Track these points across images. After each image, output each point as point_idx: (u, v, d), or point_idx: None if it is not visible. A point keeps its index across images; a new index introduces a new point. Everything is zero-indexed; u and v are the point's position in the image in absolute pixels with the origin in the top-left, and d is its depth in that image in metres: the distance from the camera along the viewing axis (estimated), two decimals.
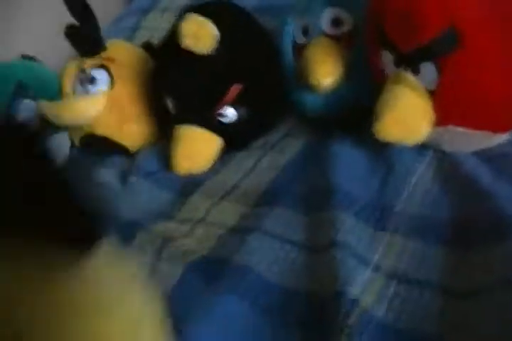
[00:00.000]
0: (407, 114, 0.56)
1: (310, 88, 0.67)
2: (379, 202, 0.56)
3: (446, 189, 0.56)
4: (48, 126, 0.83)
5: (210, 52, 0.67)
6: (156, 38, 1.08)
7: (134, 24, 1.18)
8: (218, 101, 0.69)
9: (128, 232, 0.60)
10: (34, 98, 0.94)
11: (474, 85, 0.55)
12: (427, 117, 0.57)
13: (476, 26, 0.53)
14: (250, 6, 1.01)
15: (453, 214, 0.52)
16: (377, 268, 0.48)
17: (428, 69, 0.55)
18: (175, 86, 0.71)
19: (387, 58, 0.59)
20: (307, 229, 0.54)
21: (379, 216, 0.54)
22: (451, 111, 0.57)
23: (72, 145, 0.87)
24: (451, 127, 0.58)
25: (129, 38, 1.12)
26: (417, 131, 0.57)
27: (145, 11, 1.20)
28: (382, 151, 0.62)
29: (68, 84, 0.83)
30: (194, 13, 0.67)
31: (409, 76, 0.57)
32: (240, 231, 0.57)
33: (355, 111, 0.65)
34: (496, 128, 0.59)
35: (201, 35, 0.66)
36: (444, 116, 0.57)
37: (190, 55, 0.67)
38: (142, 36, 1.12)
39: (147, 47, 0.91)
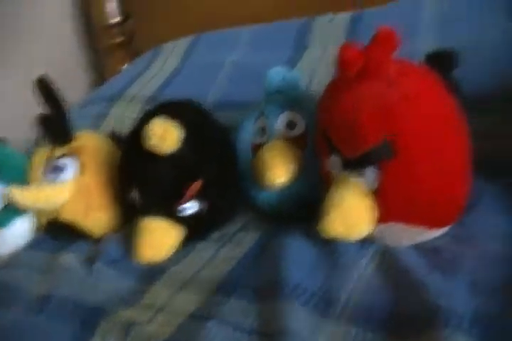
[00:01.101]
0: (351, 213, 0.64)
1: (264, 186, 0.75)
2: (325, 293, 0.63)
3: (386, 281, 0.63)
4: (12, 208, 0.87)
5: (172, 151, 0.75)
6: (122, 127, 1.16)
7: (100, 112, 1.26)
8: (181, 196, 0.77)
9: (92, 318, 0.65)
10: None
11: (409, 187, 0.64)
12: (369, 215, 0.65)
13: (408, 138, 0.62)
14: (212, 102, 1.11)
15: (391, 305, 0.60)
16: None
17: (370, 172, 0.64)
18: (140, 180, 0.79)
19: (334, 161, 0.68)
20: (259, 317, 0.61)
21: (325, 306, 0.61)
22: (391, 210, 0.66)
23: (38, 229, 0.91)
24: (391, 224, 0.67)
25: (95, 126, 1.20)
26: (360, 229, 0.65)
27: (111, 99, 1.29)
28: (329, 244, 0.69)
29: (37, 171, 0.90)
30: (160, 115, 0.75)
31: (353, 178, 0.66)
32: (198, 318, 0.63)
33: (307, 207, 0.73)
34: (431, 224, 0.68)
35: (166, 137, 0.74)
36: (384, 214, 0.66)
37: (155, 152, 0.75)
38: (108, 124, 1.20)
39: (113, 137, 0.99)
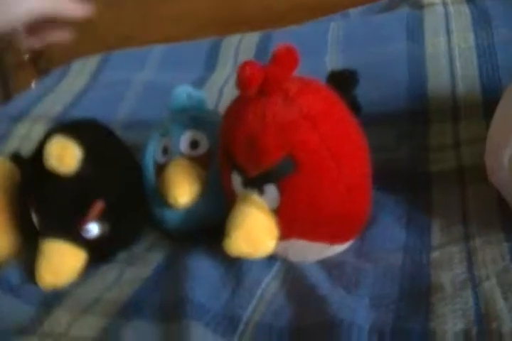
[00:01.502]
0: (254, 231, 0.65)
1: (168, 205, 0.75)
2: (228, 312, 0.63)
3: (289, 298, 0.65)
4: None
5: (73, 172, 0.74)
6: (26, 147, 1.13)
7: (3, 131, 1.22)
8: (81, 218, 0.75)
9: None
10: None
11: (310, 204, 0.66)
12: (271, 233, 0.66)
13: (307, 155, 0.63)
14: (120, 121, 1.10)
15: (292, 321, 0.60)
16: None
17: (271, 190, 0.66)
18: (40, 201, 0.77)
19: (236, 179, 0.68)
20: (162, 338, 0.60)
21: (227, 325, 0.61)
22: (292, 227, 0.67)
23: None
24: (293, 240, 0.68)
25: None
26: (263, 246, 0.66)
27: (15, 119, 1.25)
28: (233, 263, 0.70)
29: None
30: (59, 134, 0.74)
31: (255, 196, 0.66)
32: None
33: (212, 226, 0.73)
34: (332, 240, 0.70)
35: (64, 156, 0.72)
36: (286, 231, 0.67)
37: (55, 172, 0.73)
38: (10, 145, 1.16)
39: (15, 158, 0.95)
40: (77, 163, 0.74)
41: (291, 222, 0.66)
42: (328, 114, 0.66)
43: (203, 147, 0.79)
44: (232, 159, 0.68)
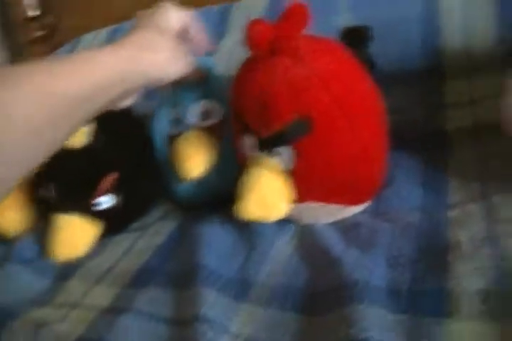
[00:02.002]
0: (267, 194, 0.64)
1: (180, 178, 0.74)
2: (241, 277, 0.63)
3: (304, 259, 0.64)
4: None
5: (85, 144, 0.73)
6: None
7: None
8: (94, 190, 0.75)
9: None
10: None
11: (325, 165, 0.64)
12: (285, 196, 0.65)
13: (321, 116, 0.62)
14: None
15: (307, 283, 0.60)
16: (236, 337, 0.55)
17: (285, 151, 0.64)
18: (53, 175, 0.76)
19: (248, 142, 0.67)
20: (175, 305, 0.60)
21: (240, 289, 0.61)
22: (308, 189, 0.66)
23: None
24: (308, 203, 0.67)
25: None
26: (277, 209, 0.65)
27: None
28: (246, 228, 0.69)
29: None
30: None
31: (268, 158, 0.65)
32: (112, 312, 0.62)
33: (224, 197, 0.72)
34: (348, 202, 0.68)
35: None
36: (301, 193, 0.66)
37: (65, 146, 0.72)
38: None
39: None
40: (85, 136, 0.73)
41: (306, 184, 0.65)
42: (341, 73, 0.64)
43: (216, 116, 0.77)
44: (243, 121, 0.66)
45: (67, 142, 0.71)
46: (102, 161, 0.76)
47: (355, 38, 0.75)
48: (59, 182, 0.76)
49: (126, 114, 0.84)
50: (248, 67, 0.66)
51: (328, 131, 0.63)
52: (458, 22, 0.95)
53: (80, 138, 0.73)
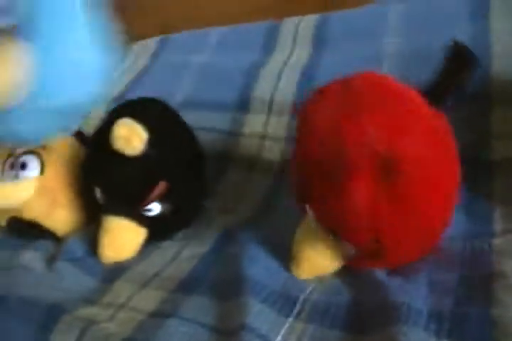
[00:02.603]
0: (317, 260, 0.66)
1: None
2: (285, 291, 0.65)
3: (348, 280, 0.66)
4: None
5: (139, 153, 0.76)
6: (88, 125, 1.16)
7: None
8: (145, 198, 0.78)
9: (50, 317, 0.65)
10: None
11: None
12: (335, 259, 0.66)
13: None
14: (178, 102, 1.12)
15: (352, 302, 0.61)
16: None
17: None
18: (105, 180, 0.79)
19: (311, 214, 0.64)
20: (220, 314, 0.62)
21: (284, 303, 0.63)
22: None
23: None
24: None
25: None
26: (325, 270, 0.67)
27: None
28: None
29: None
30: (126, 116, 0.76)
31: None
32: (159, 316, 0.64)
33: None
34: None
35: (132, 139, 0.74)
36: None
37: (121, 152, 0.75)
38: None
39: (79, 136, 0.98)
40: (142, 145, 0.75)
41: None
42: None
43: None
44: (308, 190, 0.61)
45: (123, 150, 0.74)
46: (153, 169, 0.78)
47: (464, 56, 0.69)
48: (110, 187, 0.79)
49: (179, 122, 0.87)
50: None
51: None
52: (508, 45, 0.96)
53: (136, 147, 0.75)
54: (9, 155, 0.88)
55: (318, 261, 0.66)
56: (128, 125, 0.74)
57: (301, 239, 0.67)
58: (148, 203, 0.78)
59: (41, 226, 0.86)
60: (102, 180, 0.79)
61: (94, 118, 1.16)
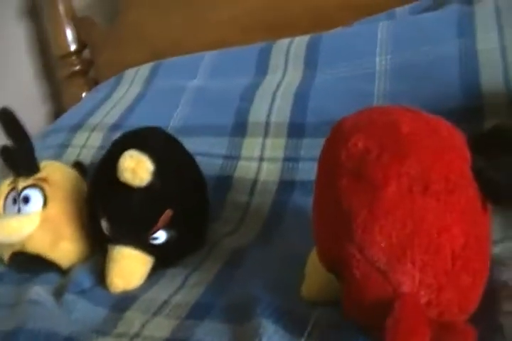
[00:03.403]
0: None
1: None
2: (296, 312, 0.66)
3: None
4: None
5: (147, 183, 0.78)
6: (85, 155, 1.19)
7: (62, 142, 1.28)
8: (152, 227, 0.80)
9: None
10: None
11: None
12: None
13: None
14: (174, 127, 1.15)
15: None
16: None
17: None
18: (112, 211, 0.82)
19: None
20: (234, 337, 0.64)
21: (295, 323, 0.64)
22: None
23: (1, 262, 0.92)
24: None
25: (57, 155, 1.21)
26: None
27: (73, 129, 1.31)
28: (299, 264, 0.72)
29: (0, 203, 0.91)
30: (129, 146, 0.79)
31: None
32: None
33: None
34: None
35: (139, 171, 0.77)
36: None
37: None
38: (71, 154, 1.22)
39: (78, 166, 1.01)
40: (149, 176, 0.78)
41: None
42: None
43: None
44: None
45: (130, 181, 0.77)
46: (161, 199, 0.81)
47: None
48: (117, 217, 0.81)
49: (181, 151, 0.91)
50: None
51: None
52: (496, 59, 0.99)
53: (143, 178, 0.78)
54: (11, 190, 0.90)
55: (324, 288, 0.67)
56: (134, 157, 0.77)
57: (312, 265, 0.69)
58: (155, 232, 0.80)
59: (45, 259, 0.88)
60: (109, 211, 0.81)
61: (92, 149, 1.19)
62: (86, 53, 1.65)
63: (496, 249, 0.67)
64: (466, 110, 0.96)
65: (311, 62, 1.19)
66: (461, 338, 0.51)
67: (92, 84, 1.61)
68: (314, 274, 0.68)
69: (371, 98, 1.05)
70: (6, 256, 0.90)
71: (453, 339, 0.51)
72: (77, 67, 1.63)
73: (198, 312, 0.71)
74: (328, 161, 0.64)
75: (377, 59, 1.12)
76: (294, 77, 1.18)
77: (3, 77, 1.57)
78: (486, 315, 0.58)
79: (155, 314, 0.73)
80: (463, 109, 0.96)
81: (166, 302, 0.75)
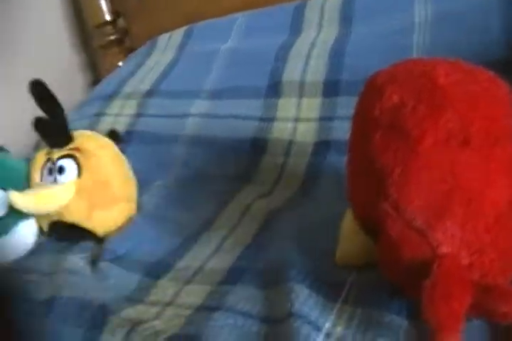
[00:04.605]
0: None
1: None
2: (331, 277, 0.64)
3: None
4: (14, 214, 0.87)
5: None
6: (120, 124, 1.18)
7: (98, 110, 1.26)
8: None
9: (99, 317, 0.66)
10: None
11: None
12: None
13: None
14: (210, 90, 1.12)
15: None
16: (328, 335, 0.56)
17: None
18: None
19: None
20: (267, 302, 0.62)
21: (330, 288, 0.62)
22: None
23: (41, 232, 0.92)
24: None
25: (93, 124, 1.21)
26: None
27: (108, 97, 1.30)
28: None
29: (37, 174, 0.91)
30: None
31: None
32: (207, 309, 0.64)
33: None
34: None
35: None
36: None
37: None
38: (106, 123, 1.20)
39: (113, 134, 1.00)
40: None
41: None
42: None
43: None
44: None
45: None
46: None
47: None
48: None
49: None
50: None
51: None
52: None
53: None
54: (47, 160, 0.90)
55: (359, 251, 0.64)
56: None
57: (346, 228, 0.66)
58: None
59: (82, 228, 0.88)
60: None
61: (126, 116, 1.18)
62: (121, 22, 1.63)
63: None
64: (510, 62, 0.90)
65: (346, 17, 1.15)
66: (505, 301, 0.47)
67: (128, 53, 1.59)
68: (348, 238, 0.66)
69: (410, 52, 1.00)
70: (44, 226, 0.91)
71: (496, 302, 0.48)
72: (113, 37, 1.61)
73: (231, 277, 0.69)
74: (361, 116, 0.61)
75: (416, 9, 1.06)
76: (329, 34, 1.14)
77: (40, 48, 1.57)
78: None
79: (189, 281, 0.71)
80: (507, 61, 0.91)
81: (199, 269, 0.73)
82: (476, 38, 0.95)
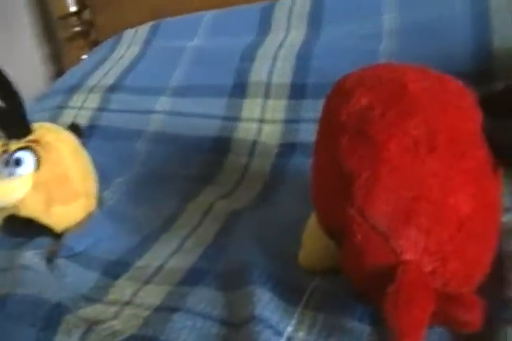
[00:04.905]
0: None
1: None
2: (293, 280, 0.63)
3: None
4: None
5: None
6: (82, 117, 1.15)
7: (60, 103, 1.24)
8: None
9: (54, 316, 0.63)
10: None
11: None
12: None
13: None
14: (174, 87, 1.10)
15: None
16: (290, 340, 0.55)
17: None
18: None
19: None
20: (227, 305, 0.61)
21: (292, 292, 0.61)
22: None
23: None
24: None
25: (54, 117, 1.18)
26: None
27: (70, 90, 1.27)
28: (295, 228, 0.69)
29: None
30: None
31: None
32: (165, 310, 0.62)
33: None
34: None
35: None
36: None
37: None
38: (67, 115, 1.18)
39: (74, 128, 0.97)
40: None
41: None
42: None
43: None
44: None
45: None
46: None
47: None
48: None
49: None
50: None
51: None
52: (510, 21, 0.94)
53: None
54: (3, 152, 0.87)
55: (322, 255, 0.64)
56: None
57: (310, 232, 0.66)
58: None
59: (38, 223, 0.85)
60: None
61: (88, 109, 1.16)
62: (86, 14, 1.60)
63: (506, 217, 0.63)
64: (476, 72, 0.91)
65: (315, 20, 1.15)
66: (467, 310, 0.47)
67: (93, 45, 1.57)
68: (312, 241, 0.65)
69: (377, 58, 1.00)
70: None
71: (458, 310, 0.47)
72: (78, 28, 1.59)
73: (191, 278, 0.68)
74: (328, 119, 0.60)
75: (386, 16, 1.07)
76: (297, 36, 1.14)
77: (3, 39, 1.53)
78: (493, 286, 0.54)
79: (148, 281, 0.70)
80: (473, 71, 0.92)
81: (159, 269, 0.72)
82: (444, 48, 0.96)
